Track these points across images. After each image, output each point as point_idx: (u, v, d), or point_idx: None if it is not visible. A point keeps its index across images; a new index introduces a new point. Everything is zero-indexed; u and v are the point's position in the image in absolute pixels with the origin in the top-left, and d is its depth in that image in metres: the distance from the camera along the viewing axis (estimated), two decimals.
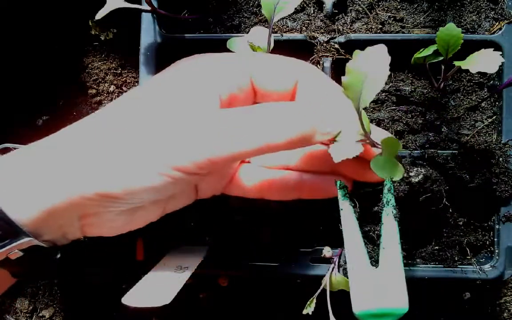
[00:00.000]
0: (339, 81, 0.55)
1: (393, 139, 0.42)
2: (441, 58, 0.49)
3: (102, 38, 0.63)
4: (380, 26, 0.56)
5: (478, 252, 0.54)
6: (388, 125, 0.54)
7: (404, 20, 0.56)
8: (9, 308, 0.64)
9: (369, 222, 0.50)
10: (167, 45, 0.55)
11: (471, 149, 0.52)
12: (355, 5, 0.56)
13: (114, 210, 0.41)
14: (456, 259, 0.52)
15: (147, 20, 0.55)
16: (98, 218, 0.42)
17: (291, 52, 0.52)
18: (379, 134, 0.45)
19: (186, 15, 0.58)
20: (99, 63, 0.64)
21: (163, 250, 0.53)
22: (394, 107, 0.54)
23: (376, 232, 0.50)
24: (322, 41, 0.54)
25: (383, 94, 0.54)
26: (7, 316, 0.64)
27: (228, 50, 0.50)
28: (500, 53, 0.45)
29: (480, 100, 0.55)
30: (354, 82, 0.40)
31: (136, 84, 0.64)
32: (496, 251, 0.52)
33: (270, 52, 0.49)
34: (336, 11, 0.55)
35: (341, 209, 0.47)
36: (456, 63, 0.46)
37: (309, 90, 0.44)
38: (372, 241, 0.50)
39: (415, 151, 0.51)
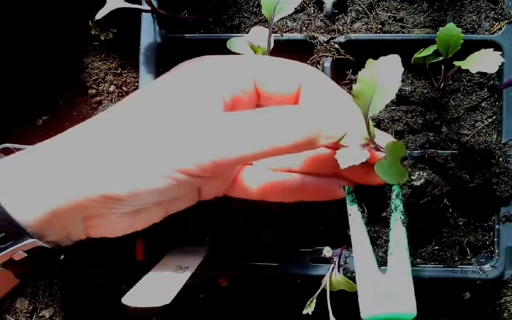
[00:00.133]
0: (339, 82, 0.56)
1: (397, 144, 0.42)
2: (441, 58, 0.49)
3: (102, 38, 0.63)
4: (380, 26, 0.56)
5: (478, 252, 0.54)
6: (388, 125, 0.54)
7: (404, 20, 0.56)
8: (9, 308, 0.64)
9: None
10: (167, 45, 0.55)
11: (471, 149, 0.52)
12: (355, 5, 0.56)
13: (118, 211, 0.42)
14: (456, 259, 0.52)
15: (147, 20, 0.55)
16: (102, 219, 0.42)
17: (291, 52, 0.53)
18: (383, 138, 0.45)
19: (186, 15, 0.58)
20: (99, 63, 0.64)
21: (163, 250, 0.53)
22: (394, 107, 0.54)
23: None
24: (322, 41, 0.54)
25: None
26: (7, 316, 0.64)
27: (228, 50, 0.50)
28: (500, 53, 0.45)
29: (480, 100, 0.55)
30: (364, 91, 0.40)
31: (136, 84, 0.64)
32: (496, 251, 0.52)
33: (270, 52, 0.49)
34: (336, 11, 0.55)
35: (349, 215, 0.47)
36: (456, 63, 0.46)
37: (312, 93, 0.44)
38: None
39: (415, 151, 0.51)
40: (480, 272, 0.52)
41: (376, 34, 0.55)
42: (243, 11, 0.57)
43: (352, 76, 0.55)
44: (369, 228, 0.49)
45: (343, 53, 0.54)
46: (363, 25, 0.56)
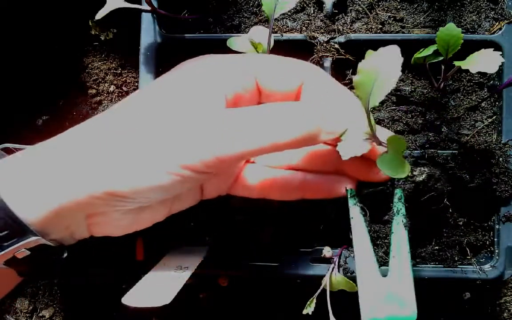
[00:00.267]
0: (338, 81, 0.56)
1: (398, 137, 0.42)
2: (441, 58, 0.49)
3: (102, 38, 0.63)
4: (380, 26, 0.56)
5: (478, 252, 0.54)
6: (388, 125, 0.54)
7: (404, 20, 0.56)
8: (9, 308, 0.64)
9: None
10: (167, 45, 0.55)
11: (471, 149, 0.52)
12: (355, 5, 0.56)
13: (121, 209, 0.42)
14: (456, 259, 0.52)
15: (147, 20, 0.55)
16: (105, 217, 0.42)
17: (291, 52, 0.52)
18: (383, 134, 0.45)
19: (186, 15, 0.58)
20: (99, 63, 0.64)
21: (163, 250, 0.53)
22: (394, 107, 0.54)
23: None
24: (322, 41, 0.54)
25: None
26: (7, 316, 0.64)
27: (229, 50, 0.50)
28: (500, 53, 0.45)
29: (480, 100, 0.55)
30: (365, 82, 0.40)
31: (136, 84, 0.64)
32: (496, 251, 0.52)
33: (270, 51, 0.49)
34: (336, 11, 0.55)
35: (352, 217, 0.47)
36: (456, 63, 0.46)
37: (313, 90, 0.44)
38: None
39: (415, 151, 0.51)
40: (480, 272, 0.52)
41: (376, 34, 0.55)
42: (243, 11, 0.57)
43: (352, 76, 0.55)
44: (370, 230, 0.49)
45: (343, 53, 0.54)
46: (363, 25, 0.56)
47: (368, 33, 0.55)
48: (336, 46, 0.54)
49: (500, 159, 0.52)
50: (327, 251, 0.52)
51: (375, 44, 0.53)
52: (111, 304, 0.63)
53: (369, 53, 0.40)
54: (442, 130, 0.53)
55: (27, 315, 0.64)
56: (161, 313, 0.62)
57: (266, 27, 0.51)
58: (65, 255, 0.44)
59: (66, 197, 0.39)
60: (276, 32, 0.55)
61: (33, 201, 0.39)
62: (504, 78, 0.53)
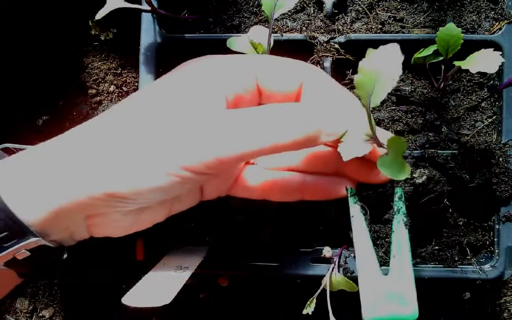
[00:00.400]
0: (339, 82, 0.56)
1: (399, 139, 0.42)
2: (441, 58, 0.49)
3: (102, 38, 0.63)
4: (380, 26, 0.56)
5: (478, 252, 0.54)
6: (388, 125, 0.54)
7: (404, 20, 0.56)
8: (9, 308, 0.64)
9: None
10: (167, 45, 0.55)
11: (471, 149, 0.52)
12: (355, 5, 0.56)
13: (121, 210, 0.42)
14: (456, 259, 0.52)
15: (147, 20, 0.55)
16: (105, 218, 0.42)
17: (291, 52, 0.53)
18: (383, 135, 0.45)
19: (186, 15, 0.58)
20: (99, 63, 0.64)
21: (163, 250, 0.53)
22: (394, 107, 0.54)
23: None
24: (322, 41, 0.54)
25: None
26: (7, 316, 0.64)
27: (228, 50, 0.50)
28: (500, 53, 0.45)
29: (480, 100, 0.55)
30: (365, 81, 0.40)
31: (136, 84, 0.64)
32: (496, 251, 0.52)
33: (270, 51, 0.49)
34: (336, 11, 0.55)
35: (352, 216, 0.47)
36: (456, 63, 0.46)
37: (314, 91, 0.44)
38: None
39: (415, 151, 0.51)
40: (480, 272, 0.52)
41: (376, 34, 0.55)
42: (243, 11, 0.57)
43: (353, 76, 0.55)
44: (370, 229, 0.49)
45: (343, 53, 0.54)
46: (363, 25, 0.56)
47: (368, 33, 0.55)
48: (336, 46, 0.54)
49: (500, 159, 0.52)
50: (327, 251, 0.52)
51: (375, 44, 0.53)
52: (111, 304, 0.63)
53: (370, 52, 0.40)
54: (442, 130, 0.53)
55: (27, 315, 0.64)
56: (161, 313, 0.62)
57: (266, 27, 0.51)
58: (65, 256, 0.44)
59: (66, 198, 0.39)
60: (276, 32, 0.55)
61: (33, 202, 0.39)
62: (504, 78, 0.53)
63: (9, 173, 0.40)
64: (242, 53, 0.50)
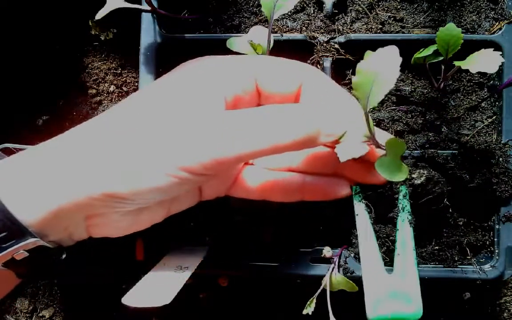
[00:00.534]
0: (339, 82, 0.56)
1: (397, 140, 0.42)
2: (441, 58, 0.49)
3: (102, 38, 0.63)
4: (380, 26, 0.56)
5: (478, 252, 0.54)
6: (388, 125, 0.54)
7: (404, 20, 0.56)
8: (9, 308, 0.64)
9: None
10: (167, 45, 0.55)
11: (471, 149, 0.52)
12: (355, 5, 0.56)
13: (120, 210, 0.42)
14: (456, 259, 0.52)
15: (147, 20, 0.55)
16: (103, 218, 0.42)
17: (291, 52, 0.52)
18: (382, 136, 0.45)
19: (186, 15, 0.58)
20: (99, 63, 0.64)
21: (163, 250, 0.53)
22: (394, 107, 0.54)
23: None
24: (322, 41, 0.54)
25: None
26: (7, 316, 0.64)
27: (228, 50, 0.50)
28: (500, 53, 0.45)
29: (480, 100, 0.55)
30: (363, 82, 0.40)
31: (136, 84, 0.64)
32: (496, 251, 0.52)
33: (270, 51, 0.49)
34: (336, 11, 0.55)
35: (357, 215, 0.47)
36: (456, 63, 0.46)
37: (313, 92, 0.44)
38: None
39: (415, 151, 0.51)
40: (480, 272, 0.52)
41: (376, 34, 0.55)
42: (243, 11, 0.57)
43: (352, 76, 0.55)
44: (374, 228, 0.49)
45: (343, 53, 0.54)
46: (363, 25, 0.56)
47: (368, 33, 0.55)
48: (336, 46, 0.54)
49: (500, 159, 0.52)
50: (327, 251, 0.52)
51: (375, 44, 0.53)
52: (111, 304, 0.63)
53: (368, 54, 0.40)
54: (442, 130, 0.53)
55: (27, 315, 0.64)
56: (161, 313, 0.62)
57: (266, 27, 0.51)
58: (64, 256, 0.44)
59: (65, 198, 0.39)
60: (276, 32, 0.55)
61: (32, 203, 0.39)
62: (504, 78, 0.53)
63: (8, 174, 0.40)
64: (242, 54, 0.50)
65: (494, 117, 0.54)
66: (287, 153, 0.42)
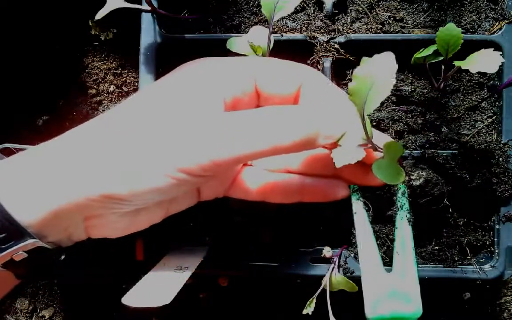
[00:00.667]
0: (339, 82, 0.56)
1: (395, 144, 0.42)
2: (441, 58, 0.49)
3: (102, 38, 0.63)
4: (380, 26, 0.56)
5: (478, 252, 0.54)
6: (388, 125, 0.54)
7: (404, 20, 0.56)
8: (9, 308, 0.64)
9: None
10: (167, 45, 0.55)
11: (471, 149, 0.52)
12: (355, 5, 0.56)
13: (118, 211, 0.42)
14: (456, 259, 0.52)
15: (147, 20, 0.55)
16: (102, 219, 0.42)
17: (291, 52, 0.53)
18: (381, 138, 0.45)
19: (186, 15, 0.58)
20: (99, 63, 0.64)
21: (163, 250, 0.53)
22: (394, 107, 0.54)
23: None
24: (322, 41, 0.54)
25: None
26: (7, 316, 0.64)
27: (228, 50, 0.50)
28: (500, 53, 0.45)
29: (480, 100, 0.55)
30: (360, 89, 0.40)
31: (136, 84, 0.64)
32: (496, 251, 0.52)
33: (270, 52, 0.49)
34: (336, 11, 0.55)
35: (355, 213, 0.47)
36: (456, 63, 0.46)
37: (312, 94, 0.44)
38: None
39: (415, 151, 0.51)
40: (480, 272, 0.52)
41: (376, 34, 0.55)
42: (243, 11, 0.57)
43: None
44: (373, 227, 0.49)
45: (343, 53, 0.54)
46: (363, 25, 0.56)
47: (368, 33, 0.55)
48: (336, 46, 0.54)
49: (500, 159, 0.52)
50: (327, 251, 0.52)
51: (375, 44, 0.54)
52: (111, 304, 0.63)
53: (364, 60, 0.40)
54: (442, 130, 0.53)
55: (27, 315, 0.64)
56: (161, 313, 0.62)
57: (266, 27, 0.51)
58: (63, 257, 0.44)
59: (64, 199, 0.39)
60: (276, 32, 0.55)
61: (31, 203, 0.39)
62: (504, 78, 0.53)
63: (7, 175, 0.40)
64: (242, 54, 0.50)
65: (494, 117, 0.54)
66: (286, 155, 0.42)
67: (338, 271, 0.51)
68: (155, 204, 0.44)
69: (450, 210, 0.51)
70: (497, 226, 0.52)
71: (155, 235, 0.52)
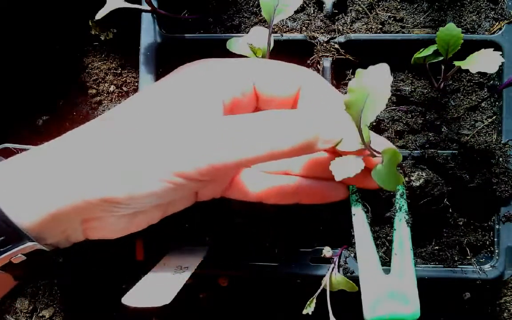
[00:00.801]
0: (339, 82, 0.56)
1: (393, 150, 0.42)
2: (441, 58, 0.49)
3: (102, 38, 0.63)
4: (380, 26, 0.56)
5: (478, 252, 0.54)
6: (388, 125, 0.54)
7: (404, 20, 0.56)
8: (9, 308, 0.64)
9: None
10: (167, 45, 0.55)
11: (471, 149, 0.52)
12: (355, 5, 0.56)
13: (116, 214, 0.42)
14: (456, 259, 0.52)
15: (147, 20, 0.55)
16: (100, 222, 0.42)
17: (291, 52, 0.53)
18: (379, 142, 0.45)
19: (186, 15, 0.58)
20: (99, 63, 0.64)
21: (163, 250, 0.53)
22: (394, 107, 0.54)
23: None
24: (322, 41, 0.54)
25: None
26: (7, 316, 0.64)
27: (228, 50, 0.50)
28: (500, 53, 0.45)
29: (480, 100, 0.55)
30: (355, 102, 0.40)
31: (136, 84, 0.64)
32: (496, 251, 0.52)
33: (270, 52, 0.49)
34: (336, 11, 0.55)
35: (353, 215, 0.47)
36: (456, 63, 0.46)
37: (311, 97, 0.44)
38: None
39: (415, 151, 0.51)
40: (480, 272, 0.52)
41: (376, 34, 0.55)
42: (243, 11, 0.57)
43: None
44: (372, 227, 0.49)
45: (343, 53, 0.54)
46: (363, 25, 0.56)
47: (368, 33, 0.55)
48: (336, 46, 0.54)
49: (500, 159, 0.52)
50: (327, 251, 0.52)
51: (375, 44, 0.54)
52: (111, 304, 0.63)
53: (359, 73, 0.40)
54: (442, 130, 0.53)
55: (27, 315, 0.64)
56: (161, 313, 0.62)
57: (266, 27, 0.51)
58: (61, 260, 0.44)
59: (62, 202, 0.39)
60: (276, 32, 0.55)
61: (29, 207, 0.39)
62: (504, 78, 0.53)
63: (5, 177, 0.40)
64: (241, 55, 0.50)
65: (494, 117, 0.54)
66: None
67: (338, 271, 0.51)
68: (153, 206, 0.44)
69: (450, 210, 0.51)
70: (497, 226, 0.52)
71: (155, 235, 0.52)
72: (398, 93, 0.54)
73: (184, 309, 0.62)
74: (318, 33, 0.55)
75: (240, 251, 0.54)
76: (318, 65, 0.54)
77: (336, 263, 0.51)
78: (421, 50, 0.50)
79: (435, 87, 0.54)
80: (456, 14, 0.56)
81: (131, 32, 0.60)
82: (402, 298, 0.44)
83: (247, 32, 0.52)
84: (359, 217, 0.47)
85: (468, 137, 0.53)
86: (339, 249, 0.52)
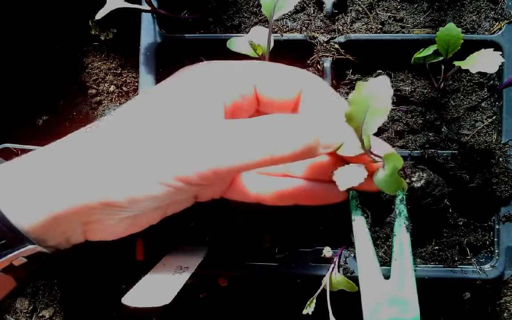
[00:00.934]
0: (339, 82, 0.56)
1: (395, 155, 0.42)
2: (441, 58, 0.49)
3: (102, 38, 0.63)
4: (380, 26, 0.56)
5: (478, 252, 0.54)
6: (388, 125, 0.54)
7: (404, 20, 0.56)
8: (9, 308, 0.64)
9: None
10: (167, 45, 0.55)
11: (471, 149, 0.52)
12: (355, 5, 0.56)
13: (117, 217, 0.42)
14: (456, 259, 0.52)
15: (147, 20, 0.55)
16: (100, 224, 0.42)
17: (291, 52, 0.53)
18: (379, 146, 0.45)
19: (186, 15, 0.58)
20: (99, 63, 0.64)
21: (163, 250, 0.53)
22: (394, 107, 0.54)
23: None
24: (322, 41, 0.54)
25: None
26: (7, 316, 0.64)
27: (228, 50, 0.50)
28: (500, 53, 0.45)
29: (480, 100, 0.55)
30: (356, 114, 0.40)
31: (136, 84, 0.64)
32: (496, 251, 0.52)
33: (270, 52, 0.49)
34: (336, 11, 0.55)
35: (353, 220, 0.47)
36: (456, 63, 0.46)
37: (312, 100, 0.44)
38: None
39: (415, 151, 0.51)
40: (480, 272, 0.52)
41: (376, 34, 0.55)
42: (243, 11, 0.57)
43: (352, 76, 0.55)
44: (370, 230, 0.49)
45: (343, 53, 0.54)
46: (363, 25, 0.56)
47: (368, 33, 0.55)
48: (336, 46, 0.54)
49: (500, 159, 0.52)
50: (327, 251, 0.52)
51: (375, 44, 0.54)
52: (111, 304, 0.63)
53: (359, 85, 0.40)
54: (442, 130, 0.53)
55: (27, 315, 0.64)
56: (161, 313, 0.62)
57: (266, 27, 0.51)
58: (62, 261, 0.44)
59: (63, 205, 0.39)
60: (276, 32, 0.55)
61: (30, 209, 0.39)
62: (504, 78, 0.53)
63: (6, 180, 0.40)
64: (242, 54, 0.50)
65: (494, 117, 0.54)
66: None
67: (338, 271, 0.51)
68: (152, 209, 0.44)
69: (450, 210, 0.51)
70: (497, 226, 0.52)
71: (155, 235, 0.52)
72: (398, 93, 0.54)
73: (184, 309, 0.62)
74: (318, 33, 0.55)
75: (240, 251, 0.54)
76: (318, 65, 0.54)
77: (336, 263, 0.51)
78: (421, 50, 0.50)
79: (435, 87, 0.54)
80: (456, 14, 0.56)
81: (131, 32, 0.60)
82: (402, 304, 0.44)
83: (247, 32, 0.52)
84: (359, 223, 0.47)
85: (468, 137, 0.53)
86: (339, 249, 0.52)
